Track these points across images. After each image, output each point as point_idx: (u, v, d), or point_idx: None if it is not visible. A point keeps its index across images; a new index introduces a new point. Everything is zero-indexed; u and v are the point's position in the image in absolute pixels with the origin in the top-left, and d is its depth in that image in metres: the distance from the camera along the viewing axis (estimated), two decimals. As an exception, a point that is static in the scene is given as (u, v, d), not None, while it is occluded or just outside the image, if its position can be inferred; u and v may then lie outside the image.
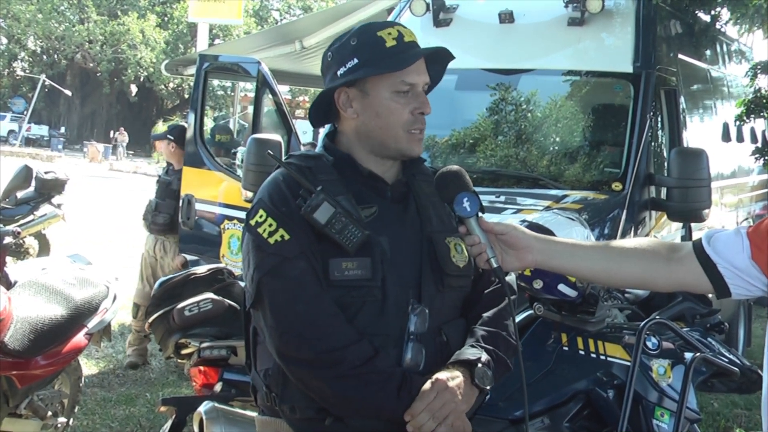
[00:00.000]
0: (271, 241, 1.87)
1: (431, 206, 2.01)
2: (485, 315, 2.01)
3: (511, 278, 2.16)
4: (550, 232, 2.42)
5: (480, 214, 1.83)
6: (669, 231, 5.05)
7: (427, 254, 1.95)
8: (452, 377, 1.86)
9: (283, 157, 2.05)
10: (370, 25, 2.01)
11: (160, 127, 21.51)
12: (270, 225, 1.88)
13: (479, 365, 1.89)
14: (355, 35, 1.96)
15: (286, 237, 1.86)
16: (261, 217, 1.90)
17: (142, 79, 43.44)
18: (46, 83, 41.04)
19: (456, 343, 1.96)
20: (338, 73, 1.94)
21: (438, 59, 2.02)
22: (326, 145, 2.04)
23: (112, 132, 40.92)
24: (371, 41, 1.93)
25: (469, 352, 1.92)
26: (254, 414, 2.23)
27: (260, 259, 1.88)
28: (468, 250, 1.89)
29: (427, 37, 5.06)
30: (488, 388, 1.91)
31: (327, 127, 2.18)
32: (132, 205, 7.25)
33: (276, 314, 1.86)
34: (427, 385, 1.84)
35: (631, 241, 1.98)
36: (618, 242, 2.00)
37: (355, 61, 1.92)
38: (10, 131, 40.52)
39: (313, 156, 2.01)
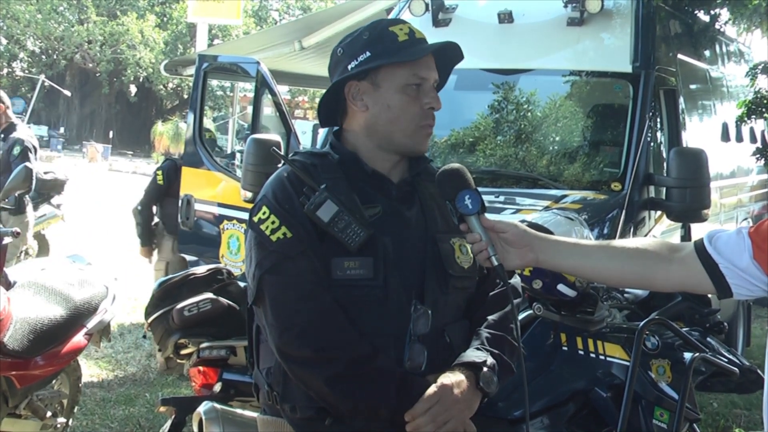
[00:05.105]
0: (274, 238, 1.86)
1: (436, 207, 2.00)
2: (490, 318, 2.00)
3: (516, 280, 2.16)
4: (549, 232, 2.41)
5: (481, 212, 1.83)
6: (668, 231, 5.04)
7: (431, 255, 1.94)
8: (457, 383, 1.85)
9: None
10: (380, 21, 2.02)
11: (160, 127, 21.45)
12: (273, 222, 1.87)
13: (485, 369, 1.88)
14: (367, 30, 1.97)
15: (289, 235, 1.86)
16: (264, 214, 1.89)
17: (141, 80, 43.35)
18: (46, 84, 40.93)
19: (459, 345, 1.95)
20: (349, 67, 1.94)
21: (446, 61, 2.02)
22: (332, 143, 2.03)
23: (111, 132, 40.33)
24: (384, 35, 1.94)
25: (475, 355, 1.91)
26: (254, 414, 2.23)
27: (262, 257, 1.87)
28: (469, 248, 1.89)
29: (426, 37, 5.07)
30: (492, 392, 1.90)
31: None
32: (131, 206, 7.21)
33: (276, 312, 1.85)
34: (432, 388, 1.83)
35: (632, 241, 1.98)
36: (620, 241, 2.00)
37: (368, 54, 1.93)
38: (9, 132, 40.41)
39: (318, 154, 2.00)
